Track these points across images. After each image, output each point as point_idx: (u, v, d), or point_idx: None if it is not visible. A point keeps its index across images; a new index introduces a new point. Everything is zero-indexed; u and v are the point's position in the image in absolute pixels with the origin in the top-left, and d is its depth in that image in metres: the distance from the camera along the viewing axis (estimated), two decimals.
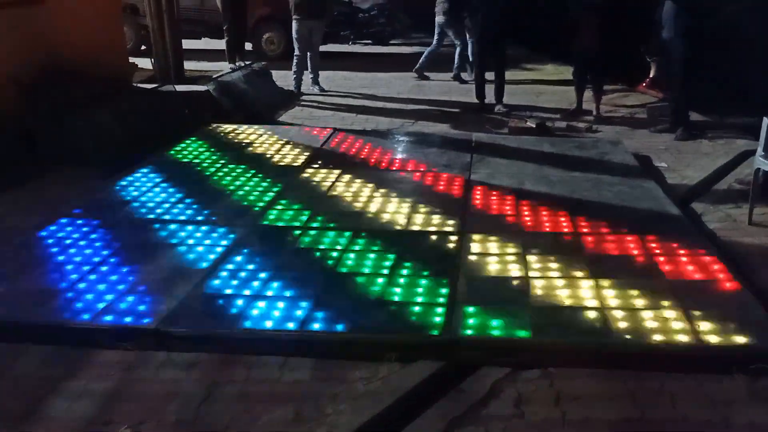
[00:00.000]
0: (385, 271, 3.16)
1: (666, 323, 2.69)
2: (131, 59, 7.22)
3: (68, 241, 3.50)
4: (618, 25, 6.59)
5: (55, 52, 5.23)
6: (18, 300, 2.90)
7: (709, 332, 2.62)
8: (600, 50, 6.50)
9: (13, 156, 4.53)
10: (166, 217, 3.87)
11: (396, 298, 2.92)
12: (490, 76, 7.12)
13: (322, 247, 3.46)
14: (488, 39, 7.02)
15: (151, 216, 3.89)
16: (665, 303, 2.85)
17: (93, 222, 3.75)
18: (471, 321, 2.71)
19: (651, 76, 7.85)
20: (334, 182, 4.51)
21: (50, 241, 3.51)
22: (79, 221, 3.76)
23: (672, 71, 6.03)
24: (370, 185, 4.42)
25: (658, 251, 3.36)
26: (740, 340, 2.57)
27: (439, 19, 8.62)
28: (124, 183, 4.44)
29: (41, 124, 4.80)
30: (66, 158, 4.65)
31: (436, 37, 8.85)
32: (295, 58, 8.11)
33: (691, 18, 5.57)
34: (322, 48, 8.56)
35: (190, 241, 3.52)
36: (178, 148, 5.28)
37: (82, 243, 3.48)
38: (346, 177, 4.61)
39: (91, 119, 5.07)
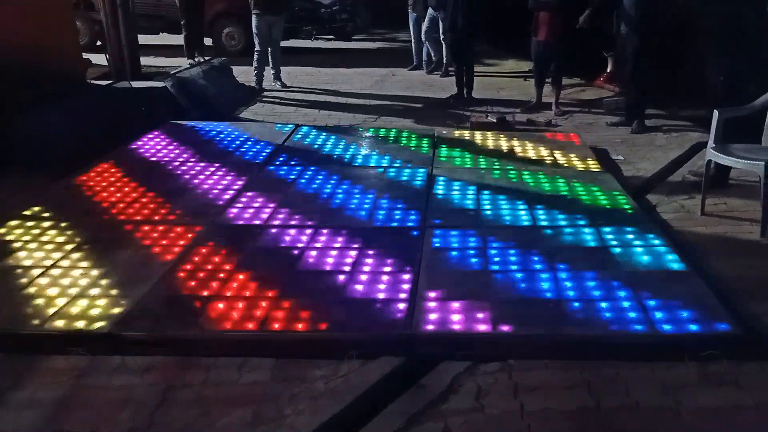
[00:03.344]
0: (347, 267, 3.14)
1: (621, 313, 2.74)
2: (85, 55, 7.01)
3: (17, 245, 3.38)
4: (575, 21, 6.68)
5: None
6: None
7: (663, 320, 2.68)
8: (558, 45, 6.59)
9: None
10: (122, 216, 3.78)
11: (357, 295, 2.90)
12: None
13: (283, 244, 3.42)
14: (457, 33, 7.15)
15: (107, 216, 3.79)
16: (620, 293, 2.90)
17: (43, 224, 3.63)
18: (432, 316, 2.71)
19: (608, 70, 8.01)
20: (296, 178, 4.46)
21: None
22: (29, 223, 3.64)
23: (627, 65, 6.14)
24: (332, 181, 4.40)
25: (613, 242, 3.43)
26: (692, 327, 2.64)
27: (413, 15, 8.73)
28: (77, 183, 4.31)
29: None
30: (13, 160, 4.46)
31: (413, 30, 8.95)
32: (255, 53, 8.01)
33: (646, 10, 5.67)
34: (285, 44, 8.48)
35: (147, 241, 3.44)
36: (134, 146, 5.15)
37: (31, 246, 3.36)
38: (309, 173, 4.57)
39: (39, 118, 4.89)
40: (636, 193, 4.32)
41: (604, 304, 2.80)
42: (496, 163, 4.84)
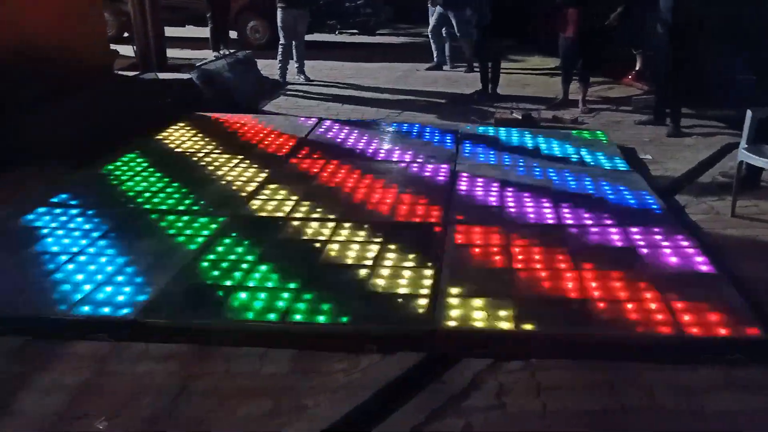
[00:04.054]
0: (369, 262, 3.13)
1: (647, 314, 2.69)
2: (112, 46, 7.09)
3: (45, 231, 3.43)
4: (604, 17, 6.57)
5: (27, 40, 5.08)
6: None
7: (690, 323, 2.63)
8: (587, 42, 6.49)
9: None
10: (147, 206, 3.81)
11: (379, 289, 2.89)
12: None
13: (305, 237, 3.42)
14: (485, 28, 7.11)
15: (132, 205, 3.82)
16: (647, 294, 2.84)
17: (71, 212, 3.68)
18: (454, 312, 2.69)
19: (636, 68, 7.87)
20: (318, 172, 4.46)
21: (27, 230, 3.43)
22: (57, 210, 3.69)
23: (662, 65, 5.98)
24: (355, 175, 4.38)
25: (641, 242, 3.36)
26: (720, 330, 2.58)
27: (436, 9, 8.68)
28: (104, 172, 4.36)
29: (12, 113, 4.66)
30: (40, 148, 4.52)
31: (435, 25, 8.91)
32: (280, 47, 8.02)
33: (684, 11, 5.55)
34: (308, 37, 8.47)
35: (172, 231, 3.46)
36: (160, 137, 5.19)
37: (59, 233, 3.41)
38: (331, 167, 4.56)
39: (67, 108, 4.95)
40: (664, 193, 4.23)
41: (629, 305, 2.75)
42: (521, 160, 4.79)
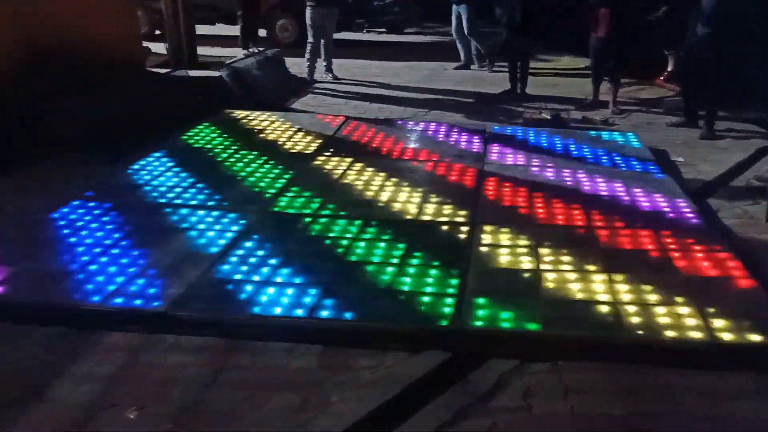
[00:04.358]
0: (395, 261, 3.14)
1: (679, 319, 2.65)
2: (144, 44, 7.22)
3: (80, 224, 3.51)
4: (636, 18, 6.48)
5: (62, 36, 5.20)
6: (28, 281, 2.91)
7: (722, 329, 2.58)
8: (619, 42, 6.41)
9: (17, 140, 4.52)
10: (178, 201, 3.87)
11: (405, 288, 2.89)
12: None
13: (332, 234, 3.44)
14: (515, 27, 7.06)
15: (163, 200, 3.89)
16: (678, 299, 2.80)
17: (104, 205, 3.76)
18: (480, 312, 2.68)
19: (668, 69, 7.74)
20: (345, 170, 4.48)
21: (62, 223, 3.52)
22: (91, 204, 3.77)
23: (699, 67, 5.85)
24: (382, 174, 4.39)
25: (672, 246, 3.31)
26: (754, 337, 2.53)
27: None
28: (135, 167, 4.44)
29: (46, 108, 4.78)
30: (73, 143, 4.63)
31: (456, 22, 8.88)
32: (308, 45, 8.07)
33: (726, 14, 5.44)
34: (336, 36, 8.51)
35: (201, 226, 3.51)
36: (190, 134, 5.27)
37: (93, 225, 3.49)
38: (358, 165, 4.58)
39: (100, 104, 5.05)
40: (696, 196, 4.16)
41: (659, 309, 2.71)
42: (550, 162, 4.74)
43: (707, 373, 2.42)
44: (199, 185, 4.14)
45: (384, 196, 4.00)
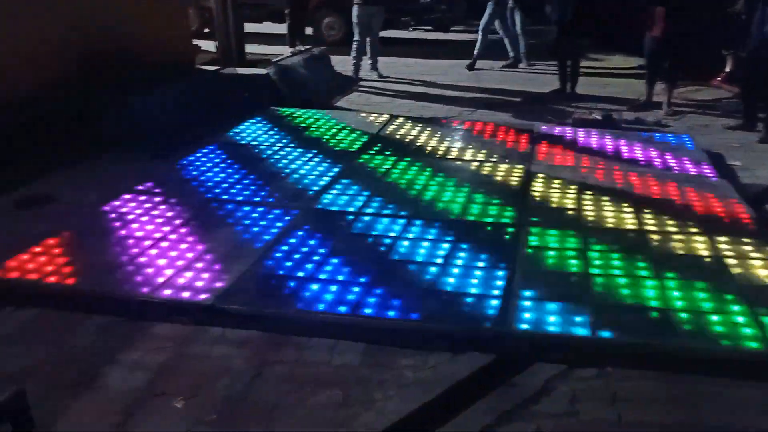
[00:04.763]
0: (440, 260, 3.11)
1: (734, 328, 2.54)
2: (194, 41, 7.38)
3: (131, 216, 3.60)
4: (695, 15, 6.26)
5: (119, 32, 5.35)
6: (81, 271, 3.00)
7: None
8: (677, 41, 6.20)
9: (73, 134, 4.67)
10: (225, 196, 3.94)
11: (450, 288, 2.86)
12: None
13: (375, 232, 3.44)
14: (566, 25, 6.93)
15: (211, 195, 3.96)
16: (734, 307, 2.69)
17: (155, 199, 3.86)
18: (526, 315, 2.63)
19: (726, 70, 7.44)
20: (390, 168, 4.47)
21: (113, 215, 3.62)
22: (142, 197, 3.87)
23: (763, 69, 5.61)
24: (427, 173, 4.37)
25: (728, 252, 3.18)
26: None
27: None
28: (185, 162, 4.54)
29: (101, 103, 4.94)
30: (126, 137, 4.77)
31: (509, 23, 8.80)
32: (354, 43, 8.10)
33: None
34: (382, 34, 8.52)
35: (248, 221, 3.56)
36: (237, 130, 5.35)
37: (143, 219, 3.58)
38: (403, 164, 4.56)
39: (152, 99, 5.19)
40: (754, 201, 3.98)
41: (714, 317, 2.61)
42: (600, 163, 4.62)
43: (764, 385, 2.32)
44: (246, 180, 4.20)
45: (429, 195, 3.98)
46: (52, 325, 2.70)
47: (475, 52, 8.75)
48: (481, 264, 3.07)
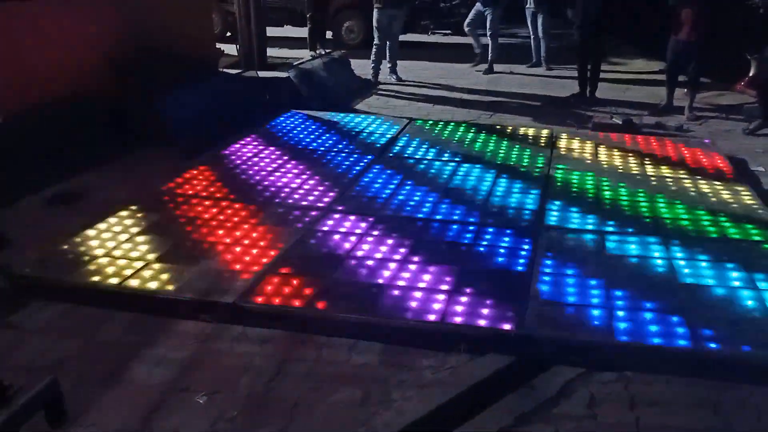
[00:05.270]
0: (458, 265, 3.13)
1: (756, 334, 2.53)
2: (217, 45, 7.48)
3: (154, 219, 3.66)
4: (718, 19, 6.21)
5: (148, 35, 5.47)
6: (110, 268, 3.07)
7: None
8: (700, 44, 6.16)
9: (105, 133, 4.78)
10: (248, 196, 3.98)
11: (469, 289, 2.88)
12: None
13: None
14: (588, 29, 6.92)
15: (233, 195, 4.00)
16: (756, 312, 2.67)
17: (177, 199, 3.92)
18: (546, 317, 2.64)
19: (750, 74, 7.35)
20: (410, 169, 4.49)
21: (140, 215, 3.69)
22: (164, 198, 3.94)
23: None
24: (444, 177, 4.39)
25: (750, 258, 3.16)
26: None
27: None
28: (208, 163, 4.59)
29: (133, 104, 5.05)
30: (154, 137, 4.86)
31: (531, 26, 8.83)
32: (374, 47, 8.14)
33: None
34: (401, 38, 8.56)
35: (269, 221, 3.61)
36: (259, 132, 5.41)
37: (163, 220, 3.64)
38: (421, 167, 4.59)
39: (181, 100, 5.29)
40: None
41: (735, 322, 2.60)
42: (620, 167, 4.59)
43: None
44: (266, 183, 4.24)
45: (444, 198, 3.99)
46: (81, 320, 2.77)
47: (489, 57, 8.78)
48: (500, 268, 3.08)
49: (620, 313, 2.68)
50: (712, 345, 2.48)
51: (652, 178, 4.38)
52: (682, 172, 4.53)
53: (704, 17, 6.10)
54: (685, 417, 2.21)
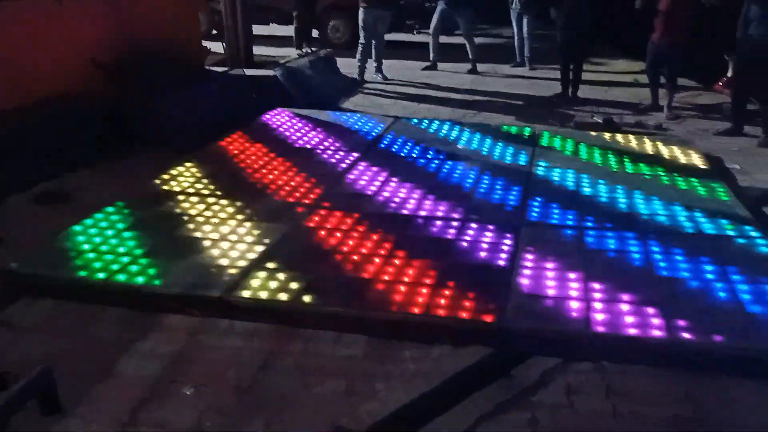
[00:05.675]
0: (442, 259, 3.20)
1: (728, 325, 2.62)
2: (203, 43, 7.49)
3: (141, 216, 3.69)
4: (696, 21, 6.35)
5: (137, 36, 5.49)
6: (98, 264, 3.10)
7: None
8: (675, 46, 6.29)
9: (100, 135, 4.79)
10: (233, 192, 4.02)
11: (452, 283, 2.94)
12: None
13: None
14: (573, 30, 7.02)
15: (219, 192, 4.03)
16: (729, 305, 2.77)
17: (166, 197, 3.95)
18: (526, 310, 2.72)
19: (728, 74, 7.52)
20: (395, 166, 4.56)
21: (127, 212, 3.72)
22: (150, 199, 3.97)
23: (757, 72, 5.69)
24: (429, 174, 4.46)
25: (725, 253, 3.27)
26: None
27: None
28: (197, 159, 4.61)
29: (126, 105, 5.06)
30: (149, 138, 4.88)
31: (516, 27, 8.94)
32: (360, 46, 8.20)
33: None
34: (387, 37, 8.63)
35: (255, 217, 3.65)
36: (245, 130, 5.44)
37: (152, 217, 3.68)
38: (406, 163, 4.66)
39: (173, 101, 5.31)
40: (752, 204, 4.06)
41: (709, 314, 2.69)
42: (600, 165, 4.69)
43: (764, 382, 2.39)
44: (253, 179, 4.29)
45: (430, 195, 4.06)
46: (70, 316, 2.80)
47: (470, 57, 8.88)
48: (480, 263, 3.16)
49: (598, 305, 2.76)
50: (686, 335, 2.57)
51: (631, 175, 4.50)
52: (660, 169, 4.64)
53: (677, 20, 6.23)
54: (659, 405, 2.29)
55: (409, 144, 5.12)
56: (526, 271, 3.05)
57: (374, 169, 4.51)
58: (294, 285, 2.91)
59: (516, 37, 9.20)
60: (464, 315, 2.71)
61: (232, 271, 3.03)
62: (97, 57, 5.12)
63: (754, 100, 5.88)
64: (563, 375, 2.43)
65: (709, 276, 3.03)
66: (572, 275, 3.02)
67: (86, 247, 3.25)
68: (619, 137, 5.40)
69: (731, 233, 3.53)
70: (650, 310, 2.72)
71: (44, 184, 4.11)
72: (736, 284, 2.94)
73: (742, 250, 3.34)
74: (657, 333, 2.58)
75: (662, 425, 2.20)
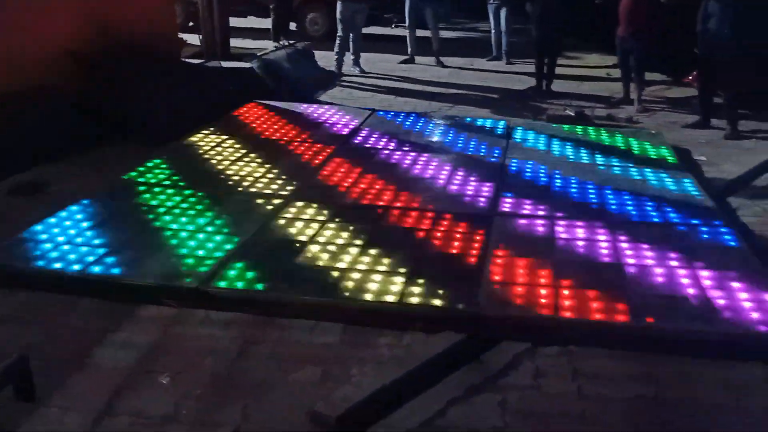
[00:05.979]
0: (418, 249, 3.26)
1: (691, 309, 2.73)
2: (180, 35, 7.44)
3: (122, 206, 3.69)
4: (662, 14, 6.49)
5: (111, 27, 5.45)
6: (72, 256, 3.10)
7: (734, 320, 2.65)
8: (639, 40, 6.43)
9: (72, 126, 4.76)
10: (210, 183, 4.03)
11: (426, 272, 3.00)
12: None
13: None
14: (548, 25, 7.12)
15: (197, 182, 4.03)
16: (690, 290, 2.87)
17: (140, 188, 3.95)
18: (497, 297, 2.80)
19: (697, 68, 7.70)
20: (371, 158, 4.61)
21: (102, 204, 3.71)
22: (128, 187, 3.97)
23: (720, 67, 5.86)
24: (404, 167, 4.51)
25: (686, 241, 3.38)
26: (762, 328, 2.59)
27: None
28: (174, 151, 4.61)
29: (101, 97, 5.03)
30: (124, 130, 4.86)
31: (494, 21, 9.04)
32: (337, 39, 8.22)
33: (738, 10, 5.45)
34: (365, 30, 8.65)
35: (232, 207, 3.67)
36: (221, 122, 5.43)
37: (129, 207, 3.68)
38: (382, 157, 4.71)
39: (148, 93, 5.28)
40: (717, 195, 4.20)
41: (671, 300, 2.79)
42: (571, 157, 4.80)
43: (721, 362, 2.49)
44: (230, 171, 4.30)
45: (406, 186, 4.12)
46: (45, 307, 2.81)
47: (434, 49, 8.96)
48: (455, 251, 3.24)
49: (566, 292, 2.84)
50: (649, 320, 2.67)
51: (601, 168, 4.61)
52: (629, 161, 4.76)
53: (637, 11, 6.37)
54: (623, 387, 2.39)
55: (385, 137, 5.17)
56: (498, 261, 3.12)
57: (350, 161, 4.55)
58: (270, 275, 2.94)
59: (493, 31, 9.30)
60: (437, 303, 2.77)
61: (209, 261, 3.05)
62: (75, 50, 5.08)
63: (720, 92, 6.04)
64: (532, 359, 2.52)
65: (673, 263, 3.14)
66: (542, 264, 3.10)
67: (61, 239, 3.25)
68: (590, 130, 5.52)
69: (696, 222, 3.65)
70: (615, 297, 2.81)
71: (18, 176, 4.08)
72: (698, 271, 3.05)
73: (705, 240, 3.45)
74: (621, 318, 2.67)
75: (625, 404, 2.30)
